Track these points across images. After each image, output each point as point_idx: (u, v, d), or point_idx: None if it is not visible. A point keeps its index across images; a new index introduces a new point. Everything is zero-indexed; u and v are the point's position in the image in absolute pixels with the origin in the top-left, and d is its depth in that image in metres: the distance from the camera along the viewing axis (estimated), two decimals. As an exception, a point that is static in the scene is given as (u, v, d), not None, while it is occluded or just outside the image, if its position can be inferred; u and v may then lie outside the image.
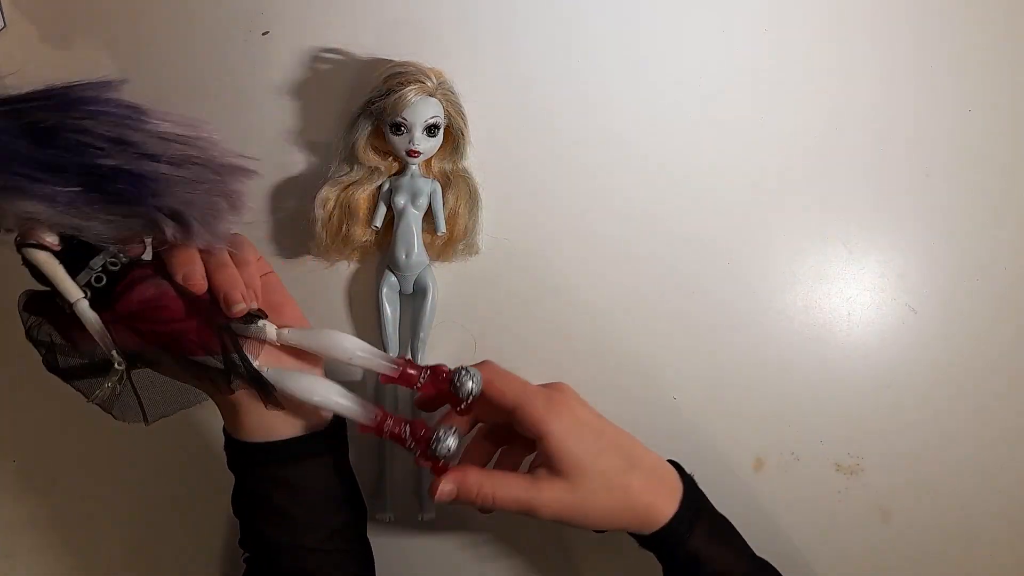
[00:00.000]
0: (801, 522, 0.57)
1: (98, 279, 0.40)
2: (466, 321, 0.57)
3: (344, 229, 0.53)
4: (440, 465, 0.44)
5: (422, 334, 0.55)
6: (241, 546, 0.47)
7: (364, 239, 0.54)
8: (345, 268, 0.57)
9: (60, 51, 0.57)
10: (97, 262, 0.39)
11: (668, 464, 0.48)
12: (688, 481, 0.47)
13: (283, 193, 0.56)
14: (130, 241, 0.40)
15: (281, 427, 0.44)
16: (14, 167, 0.34)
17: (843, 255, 0.58)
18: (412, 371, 0.44)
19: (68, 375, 0.42)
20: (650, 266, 0.57)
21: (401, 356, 0.51)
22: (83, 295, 0.39)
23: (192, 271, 0.41)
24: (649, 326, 0.57)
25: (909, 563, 0.57)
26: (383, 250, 0.56)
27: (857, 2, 0.59)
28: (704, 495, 0.48)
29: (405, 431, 0.43)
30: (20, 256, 0.38)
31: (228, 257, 0.42)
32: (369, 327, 0.56)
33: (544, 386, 0.46)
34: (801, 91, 0.59)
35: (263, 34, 0.57)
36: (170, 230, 0.38)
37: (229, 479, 0.46)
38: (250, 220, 0.57)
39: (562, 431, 0.43)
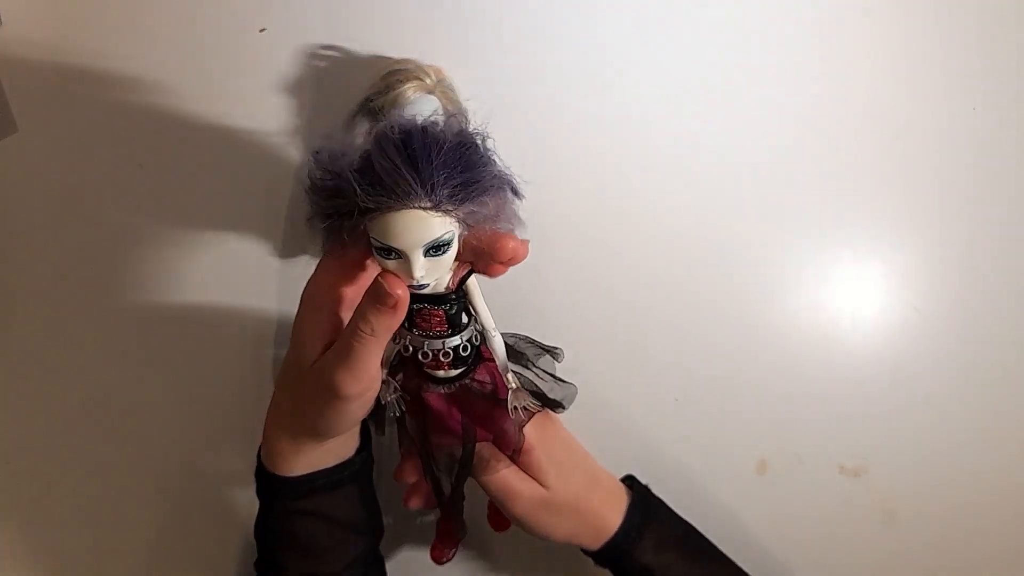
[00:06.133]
0: (805, 524, 0.56)
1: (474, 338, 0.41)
2: (466, 321, 0.56)
3: (342, 228, 0.53)
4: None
5: (421, 334, 0.54)
6: (256, 569, 0.47)
7: (362, 238, 0.54)
8: (343, 268, 0.56)
9: (57, 49, 0.57)
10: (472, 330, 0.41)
11: (617, 480, 0.50)
12: (640, 493, 0.49)
13: (280, 190, 0.56)
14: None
15: (321, 459, 0.44)
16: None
17: (847, 255, 0.58)
18: None
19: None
20: (653, 267, 0.57)
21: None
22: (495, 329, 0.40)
23: None
24: (652, 327, 0.57)
25: (914, 565, 0.57)
26: (382, 249, 0.55)
27: (862, 2, 0.59)
28: (662, 505, 0.49)
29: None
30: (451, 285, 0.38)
31: None
32: (368, 327, 0.56)
33: None
34: (805, 91, 0.58)
35: (260, 31, 0.56)
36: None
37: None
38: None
39: (543, 444, 0.44)
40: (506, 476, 0.44)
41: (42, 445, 0.57)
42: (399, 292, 0.36)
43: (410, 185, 0.33)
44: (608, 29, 0.57)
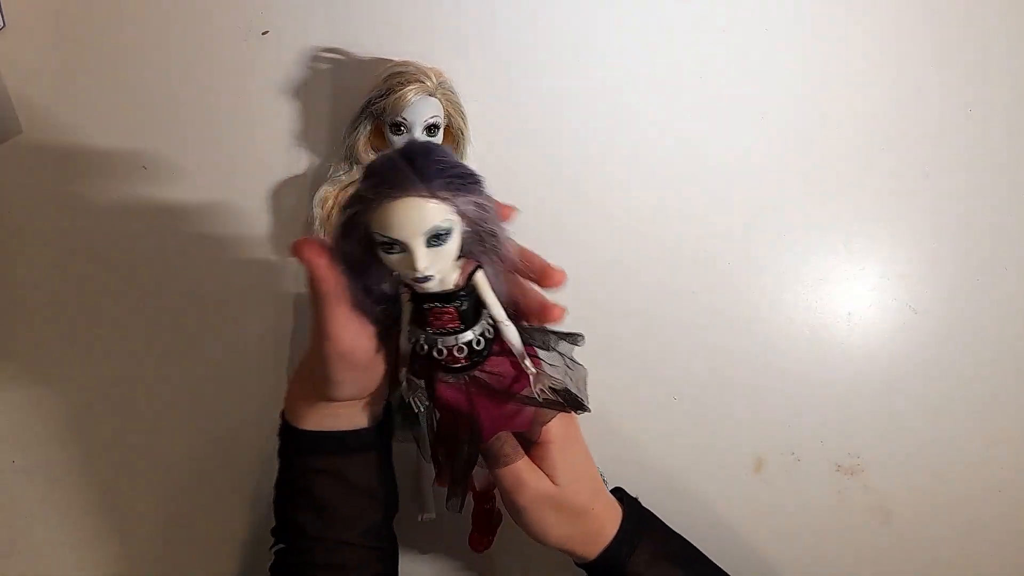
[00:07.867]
0: (801, 523, 0.56)
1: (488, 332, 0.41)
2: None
3: (343, 229, 0.53)
4: None
5: (422, 334, 0.55)
6: (273, 535, 0.47)
7: (363, 239, 0.54)
8: (344, 268, 0.57)
9: (59, 51, 0.57)
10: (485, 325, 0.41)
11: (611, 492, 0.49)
12: (631, 505, 0.48)
13: (282, 192, 0.56)
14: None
15: (340, 420, 0.45)
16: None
17: (843, 256, 0.58)
18: None
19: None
20: (651, 266, 0.57)
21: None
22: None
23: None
24: (649, 326, 0.57)
25: (909, 564, 0.57)
26: (383, 250, 0.56)
27: (856, 3, 0.59)
28: (653, 517, 0.49)
29: None
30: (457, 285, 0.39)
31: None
32: (369, 327, 0.56)
33: None
34: (801, 92, 0.58)
35: (263, 34, 0.57)
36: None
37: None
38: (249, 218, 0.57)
39: (562, 442, 0.44)
40: (518, 466, 0.44)
41: (44, 441, 0.57)
42: (303, 248, 0.39)
43: (406, 174, 0.35)
44: (608, 31, 0.58)
